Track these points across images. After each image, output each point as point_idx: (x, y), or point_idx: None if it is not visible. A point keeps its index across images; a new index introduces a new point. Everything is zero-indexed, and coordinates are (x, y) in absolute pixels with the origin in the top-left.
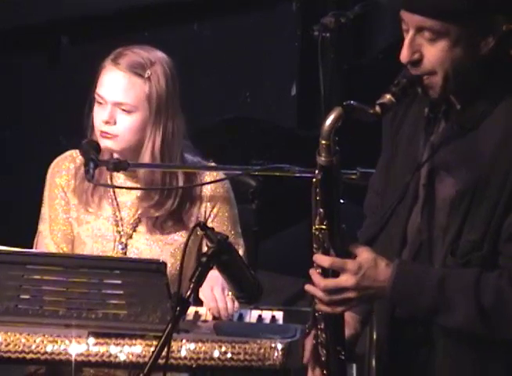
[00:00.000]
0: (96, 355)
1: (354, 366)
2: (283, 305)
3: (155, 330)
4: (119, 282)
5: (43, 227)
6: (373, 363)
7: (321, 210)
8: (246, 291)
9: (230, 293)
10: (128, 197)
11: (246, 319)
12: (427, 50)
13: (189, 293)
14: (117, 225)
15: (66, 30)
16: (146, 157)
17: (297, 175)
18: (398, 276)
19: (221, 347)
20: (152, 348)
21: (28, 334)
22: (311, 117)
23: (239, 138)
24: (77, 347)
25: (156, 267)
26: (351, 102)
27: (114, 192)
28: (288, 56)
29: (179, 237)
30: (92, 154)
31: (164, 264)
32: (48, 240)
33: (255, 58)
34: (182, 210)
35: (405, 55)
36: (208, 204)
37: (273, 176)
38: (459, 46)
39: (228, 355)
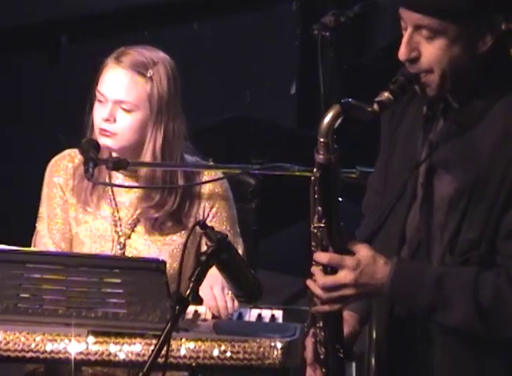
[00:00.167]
0: (96, 354)
1: (353, 364)
2: (283, 304)
3: (154, 329)
4: (119, 281)
5: (41, 226)
6: (373, 361)
7: (319, 208)
8: (246, 289)
9: (230, 292)
10: (127, 197)
11: (246, 318)
12: (424, 48)
13: (188, 292)
14: (116, 226)
15: (65, 29)
16: (147, 158)
17: (297, 174)
18: (396, 274)
19: (220, 346)
20: (151, 347)
21: (28, 333)
22: (310, 116)
23: (239, 137)
24: (76, 346)
25: (155, 266)
26: (349, 100)
27: (113, 192)
28: (288, 55)
29: (178, 238)
30: (92, 153)
31: (164, 263)
32: (46, 239)
33: (255, 57)
34: (181, 210)
35: (403, 52)
36: (207, 203)
37: (273, 175)
38: (456, 45)
39: (228, 354)
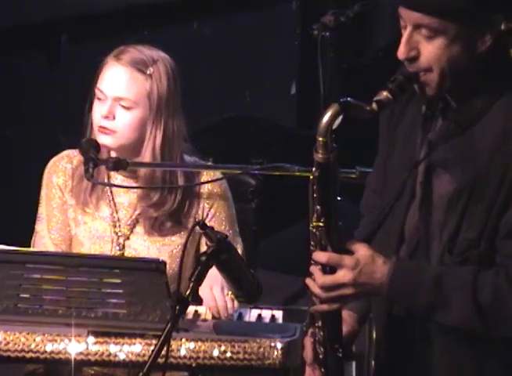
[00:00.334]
0: (96, 354)
1: (353, 364)
2: (283, 304)
3: (154, 329)
4: (119, 281)
5: (40, 227)
6: (372, 361)
7: (318, 207)
8: (246, 290)
9: (230, 292)
10: (126, 198)
11: (246, 319)
12: (424, 47)
13: (188, 292)
14: (115, 226)
15: (65, 29)
16: (146, 157)
17: (297, 174)
18: (395, 274)
19: (220, 346)
20: (151, 348)
21: (28, 333)
22: (310, 116)
23: (239, 137)
24: (76, 346)
25: (155, 266)
26: (348, 99)
27: (112, 192)
28: (288, 55)
29: (177, 238)
30: (92, 153)
31: (164, 263)
32: (46, 239)
33: (255, 57)
34: (180, 211)
35: (402, 51)
36: (206, 203)
37: (273, 175)
38: (456, 44)
39: (228, 354)
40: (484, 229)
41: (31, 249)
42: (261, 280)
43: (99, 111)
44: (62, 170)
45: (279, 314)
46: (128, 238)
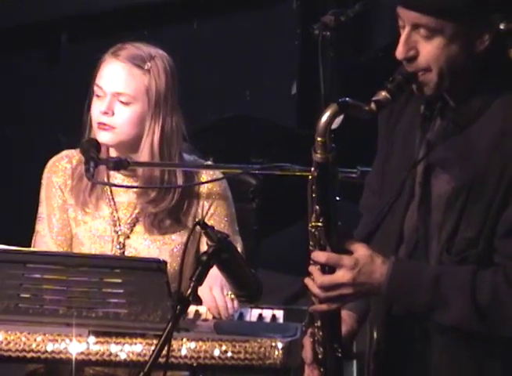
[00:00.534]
0: (97, 354)
1: (354, 364)
2: (284, 303)
3: (155, 329)
4: (119, 281)
5: (41, 227)
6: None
7: (317, 207)
8: (247, 289)
9: (229, 292)
10: (125, 197)
11: (247, 318)
12: (422, 47)
13: (189, 292)
14: (115, 225)
15: (65, 29)
16: (144, 154)
17: (298, 174)
18: (394, 273)
19: (221, 346)
20: (152, 347)
21: (28, 333)
22: (311, 115)
23: (239, 137)
24: (77, 346)
25: (156, 266)
26: (347, 99)
27: (111, 192)
28: (288, 54)
29: (177, 237)
30: (92, 153)
31: (165, 263)
32: (46, 239)
33: (255, 56)
34: (179, 209)
35: (400, 51)
36: (205, 202)
37: (273, 175)
38: (454, 44)
39: (229, 354)
40: (483, 228)
41: (31, 249)
42: (261, 280)
43: (97, 108)
44: (62, 170)
45: (280, 314)
46: (128, 237)
